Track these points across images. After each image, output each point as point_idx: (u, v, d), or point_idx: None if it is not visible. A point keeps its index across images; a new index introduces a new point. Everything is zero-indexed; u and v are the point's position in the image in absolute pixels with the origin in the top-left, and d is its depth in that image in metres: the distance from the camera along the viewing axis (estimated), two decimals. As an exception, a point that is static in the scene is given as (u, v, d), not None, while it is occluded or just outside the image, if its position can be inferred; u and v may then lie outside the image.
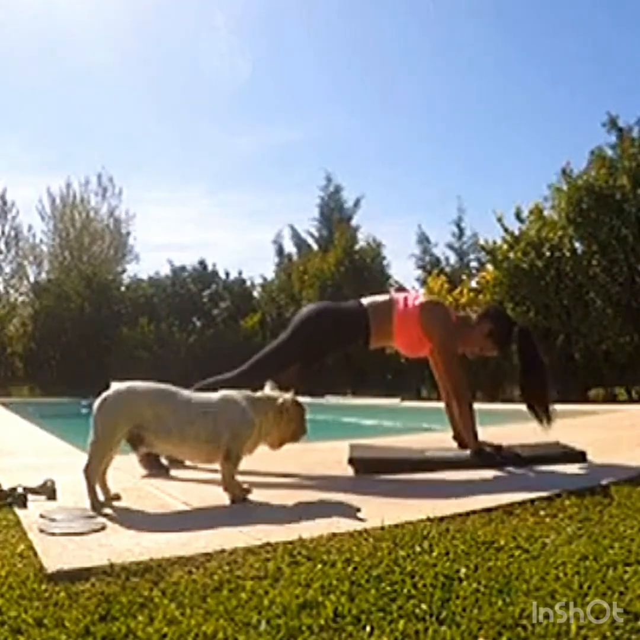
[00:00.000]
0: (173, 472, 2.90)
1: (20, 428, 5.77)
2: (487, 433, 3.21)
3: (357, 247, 16.99)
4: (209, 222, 30.20)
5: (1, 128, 26.37)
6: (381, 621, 1.23)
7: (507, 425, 5.01)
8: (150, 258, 33.19)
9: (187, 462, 2.87)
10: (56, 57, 24.25)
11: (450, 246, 21.54)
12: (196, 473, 2.79)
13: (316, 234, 22.37)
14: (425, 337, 3.19)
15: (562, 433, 3.41)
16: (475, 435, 3.09)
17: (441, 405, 3.46)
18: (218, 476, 2.33)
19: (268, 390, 2.48)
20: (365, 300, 3.30)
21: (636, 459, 3.08)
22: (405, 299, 3.26)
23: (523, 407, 3.25)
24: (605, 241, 10.01)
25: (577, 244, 10.60)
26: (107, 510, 2.15)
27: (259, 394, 2.44)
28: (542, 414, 3.14)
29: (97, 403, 2.26)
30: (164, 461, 2.96)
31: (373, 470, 2.90)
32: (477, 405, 3.18)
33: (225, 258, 36.91)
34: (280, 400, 2.42)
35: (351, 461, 2.92)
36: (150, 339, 16.16)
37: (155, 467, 2.88)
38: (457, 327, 3.24)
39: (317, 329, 3.23)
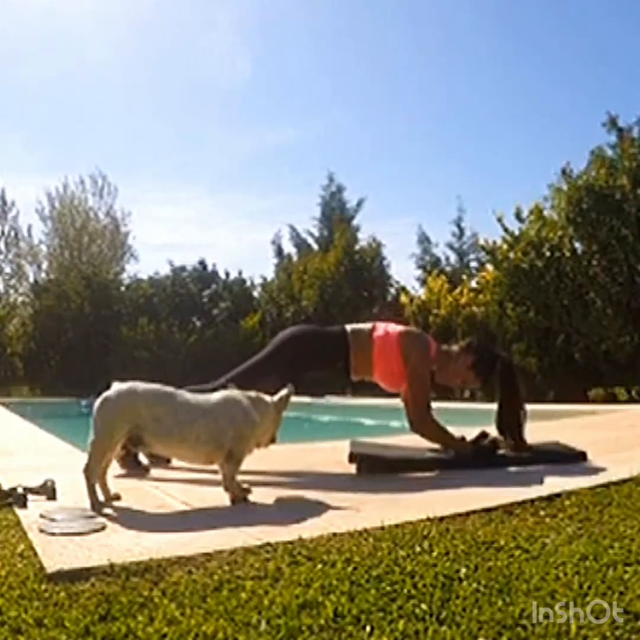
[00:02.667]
0: (173, 473, 2.90)
1: (20, 428, 5.76)
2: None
3: (357, 247, 16.98)
4: (209, 222, 30.26)
5: (1, 128, 26.41)
6: (381, 621, 1.23)
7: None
8: (150, 258, 33.27)
9: (177, 462, 2.86)
10: (56, 57, 24.26)
11: (450, 246, 21.59)
12: (196, 473, 2.78)
13: (316, 233, 22.38)
14: (404, 365, 3.13)
15: (562, 433, 3.41)
16: (457, 443, 3.11)
17: (441, 405, 3.46)
18: (218, 476, 2.33)
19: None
20: (348, 326, 3.29)
21: (636, 459, 3.07)
22: (387, 327, 3.25)
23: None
24: (605, 241, 10.01)
25: (577, 244, 10.59)
26: (107, 510, 2.15)
27: (253, 393, 2.43)
28: (515, 442, 3.14)
29: (97, 403, 2.25)
30: (143, 460, 2.95)
31: (373, 467, 2.90)
32: (476, 406, 3.19)
33: (225, 258, 36.94)
34: (276, 399, 2.43)
35: (351, 457, 2.92)
36: (150, 339, 16.14)
37: (133, 467, 2.87)
38: (437, 359, 3.22)
39: (296, 352, 3.22)
